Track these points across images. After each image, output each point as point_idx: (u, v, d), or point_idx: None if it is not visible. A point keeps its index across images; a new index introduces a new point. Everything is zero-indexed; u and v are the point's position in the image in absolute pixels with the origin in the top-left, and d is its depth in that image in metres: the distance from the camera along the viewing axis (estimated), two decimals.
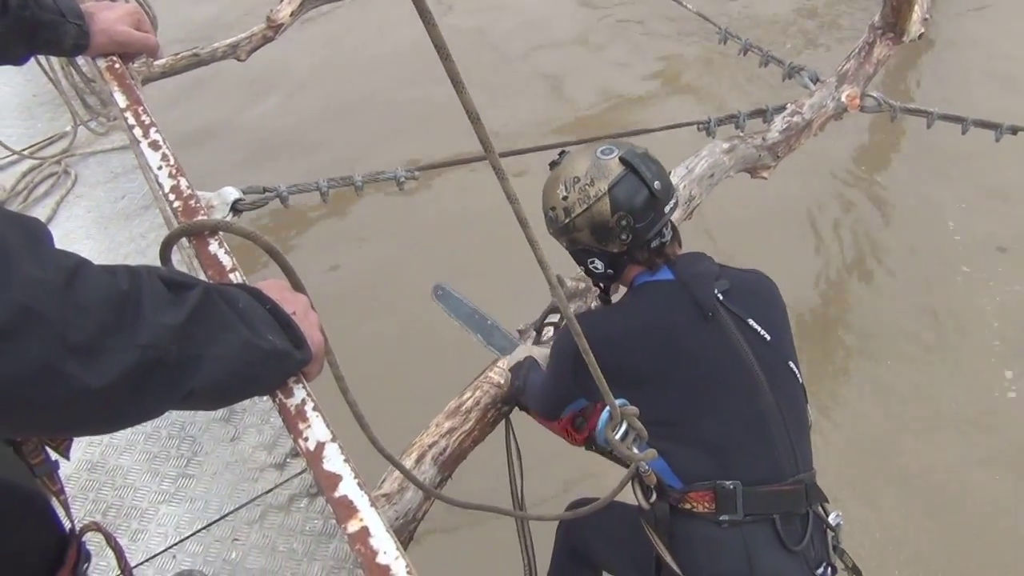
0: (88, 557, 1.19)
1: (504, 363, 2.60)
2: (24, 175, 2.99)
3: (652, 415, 1.86)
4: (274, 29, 3.95)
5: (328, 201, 3.57)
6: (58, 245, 0.89)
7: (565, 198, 1.95)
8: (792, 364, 1.97)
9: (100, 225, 2.86)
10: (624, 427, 1.61)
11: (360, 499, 0.94)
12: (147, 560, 2.01)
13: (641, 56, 5.97)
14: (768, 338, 1.93)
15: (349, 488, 0.96)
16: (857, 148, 5.08)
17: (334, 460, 0.98)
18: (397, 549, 0.89)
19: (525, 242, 1.12)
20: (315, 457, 0.99)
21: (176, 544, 2.03)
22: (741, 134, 3.67)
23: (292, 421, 1.03)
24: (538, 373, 2.35)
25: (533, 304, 2.65)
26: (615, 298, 2.18)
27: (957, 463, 3.49)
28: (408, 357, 4.02)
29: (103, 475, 2.20)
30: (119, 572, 1.34)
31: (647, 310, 1.97)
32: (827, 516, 1.93)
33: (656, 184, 1.90)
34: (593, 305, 2.90)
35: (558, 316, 2.58)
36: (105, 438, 2.28)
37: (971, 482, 3.42)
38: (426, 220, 4.79)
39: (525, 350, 2.52)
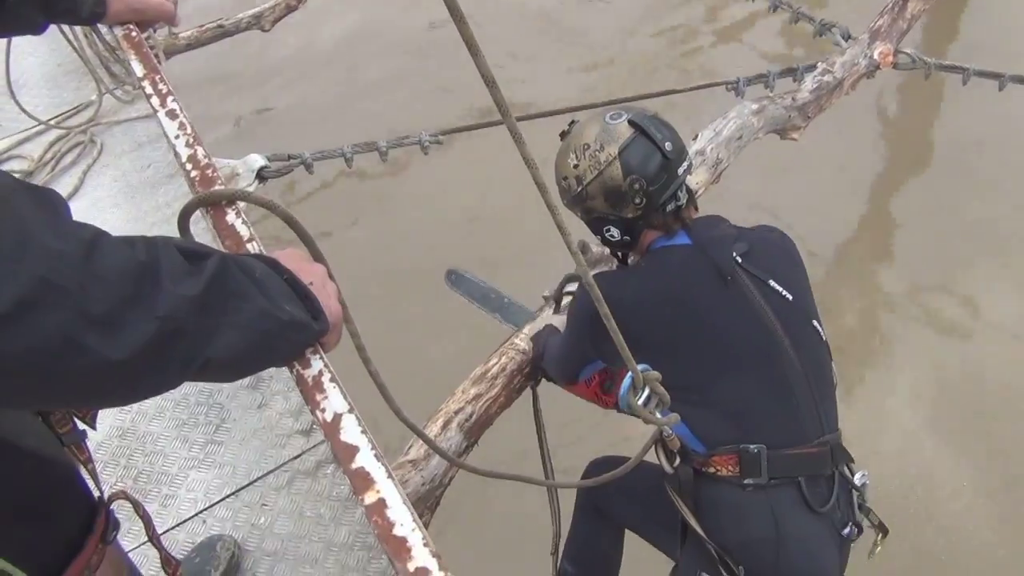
0: (117, 525, 1.21)
1: (526, 331, 2.60)
2: (51, 145, 3.01)
3: (672, 380, 1.84)
4: None
5: (352, 167, 3.57)
6: (85, 215, 0.90)
7: (576, 166, 1.93)
8: (816, 323, 1.95)
9: (127, 194, 2.88)
10: (646, 392, 1.60)
11: (377, 471, 0.94)
12: (177, 525, 2.04)
13: (666, 15, 5.86)
14: (790, 298, 1.90)
15: (366, 459, 0.96)
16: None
17: (351, 431, 0.98)
18: (414, 521, 0.89)
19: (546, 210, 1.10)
20: (332, 428, 0.99)
21: (206, 509, 2.06)
22: (771, 94, 3.59)
23: (309, 392, 1.03)
24: (556, 338, 2.36)
25: (557, 271, 2.64)
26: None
27: None
28: (433, 324, 4.03)
29: (133, 441, 2.24)
30: (148, 539, 1.36)
31: (663, 274, 1.94)
32: (852, 476, 1.92)
33: (667, 146, 1.87)
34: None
35: (576, 285, 2.57)
36: (135, 405, 2.32)
37: None
38: (446, 188, 4.78)
39: (544, 319, 2.52)
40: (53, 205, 0.85)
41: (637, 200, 1.89)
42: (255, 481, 2.12)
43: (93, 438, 2.24)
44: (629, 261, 2.17)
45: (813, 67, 3.74)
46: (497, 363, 2.59)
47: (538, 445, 2.63)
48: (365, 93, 5.51)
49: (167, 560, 1.39)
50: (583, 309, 1.99)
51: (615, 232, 1.99)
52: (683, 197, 1.96)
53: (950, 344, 3.84)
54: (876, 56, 3.75)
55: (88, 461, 1.24)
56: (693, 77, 4.70)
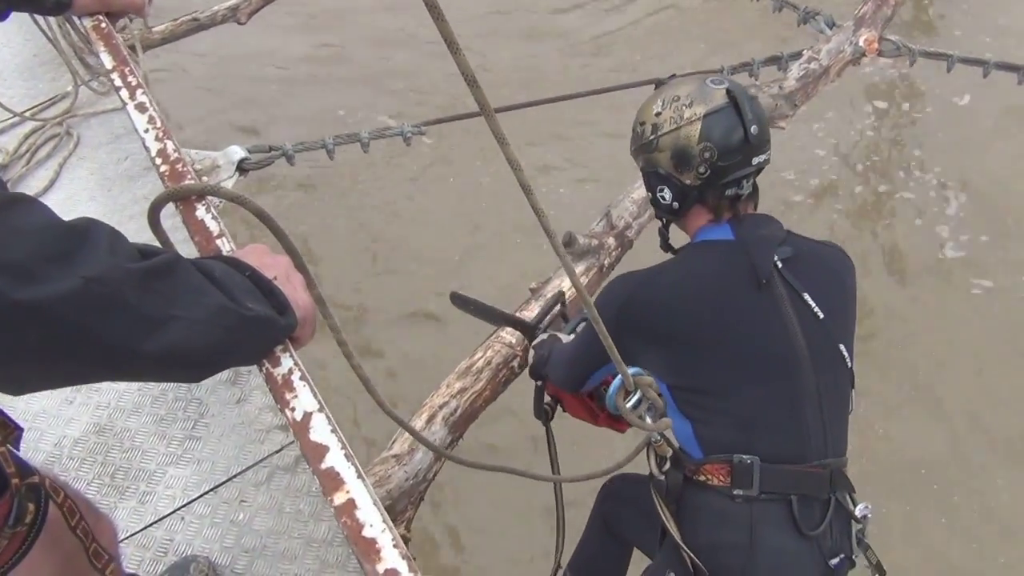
0: (22, 515, 1.17)
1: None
2: (26, 137, 2.97)
3: (688, 380, 1.82)
4: None
5: (334, 159, 3.54)
6: (61, 209, 0.90)
7: (658, 114, 1.87)
8: (843, 347, 1.87)
9: (103, 187, 2.84)
10: (637, 396, 1.58)
11: (347, 470, 0.92)
12: (156, 522, 2.02)
13: (650, 3, 5.84)
14: (821, 316, 1.83)
15: (336, 459, 0.94)
16: None
17: (321, 430, 0.96)
18: (384, 522, 0.87)
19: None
20: (302, 428, 0.97)
21: (184, 506, 2.04)
22: (756, 83, 3.57)
23: (279, 391, 1.01)
24: (565, 343, 2.27)
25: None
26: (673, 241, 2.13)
27: None
28: (420, 318, 4.01)
29: (111, 438, 2.21)
30: (70, 528, 1.27)
31: (700, 272, 1.88)
32: (854, 506, 1.85)
33: (753, 128, 1.81)
34: (606, 263, 2.86)
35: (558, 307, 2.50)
36: (113, 400, 2.29)
37: None
38: (435, 178, 4.75)
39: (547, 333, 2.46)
40: None
41: (702, 169, 1.83)
42: (234, 477, 2.09)
43: (69, 435, 2.24)
44: (669, 231, 2.12)
45: (798, 55, 3.72)
46: (482, 356, 2.57)
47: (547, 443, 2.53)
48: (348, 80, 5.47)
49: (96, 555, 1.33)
50: (608, 302, 1.92)
51: (667, 195, 1.93)
52: (746, 188, 1.90)
53: None
54: (861, 43, 3.73)
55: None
56: (676, 66, 4.66)
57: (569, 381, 2.18)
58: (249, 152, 3.20)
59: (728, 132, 1.80)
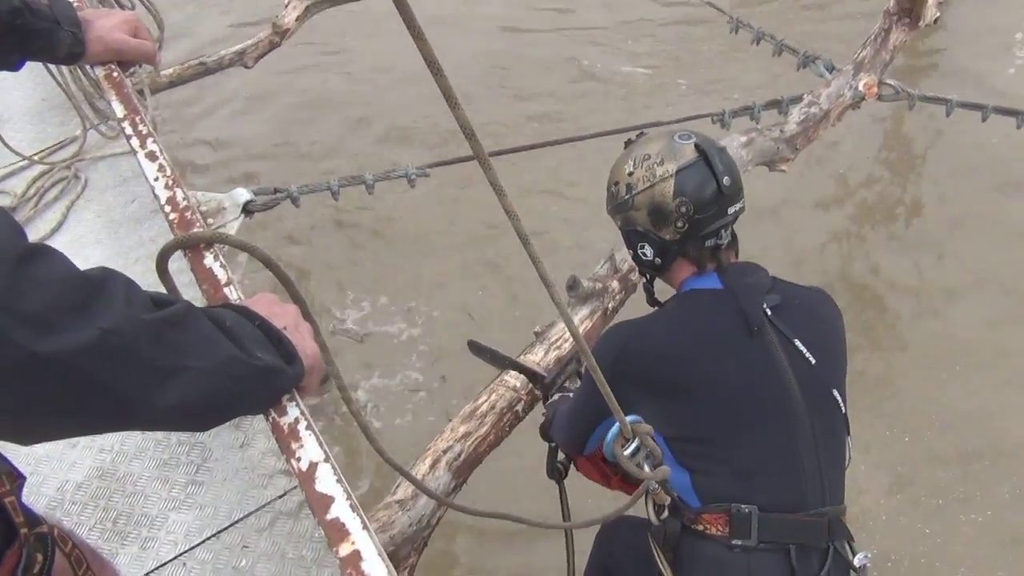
0: (31, 565, 1.17)
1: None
2: (34, 180, 2.99)
3: (684, 431, 1.82)
4: (280, 35, 3.95)
5: (339, 200, 3.57)
6: (67, 251, 0.91)
7: (631, 174, 1.91)
8: (836, 393, 1.89)
9: (110, 230, 2.85)
10: (635, 444, 1.57)
11: (352, 521, 0.92)
12: (158, 568, 2.00)
13: (650, 47, 5.91)
14: (813, 362, 1.85)
15: (341, 510, 0.93)
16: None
17: (326, 481, 0.96)
18: (389, 573, 0.86)
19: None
20: (307, 478, 0.97)
21: (186, 552, 2.02)
22: (757, 126, 3.61)
23: (285, 440, 1.01)
24: (566, 401, 2.27)
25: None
26: (659, 295, 2.13)
27: None
28: (425, 360, 4.01)
29: (113, 482, 2.19)
30: None
31: (692, 321, 1.90)
32: (853, 555, 1.84)
33: (725, 180, 1.85)
34: (610, 307, 2.86)
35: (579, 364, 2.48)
36: (116, 444, 2.28)
37: None
38: (438, 219, 4.78)
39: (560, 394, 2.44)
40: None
41: (680, 224, 1.86)
42: (236, 522, 2.07)
43: (71, 479, 2.22)
44: (655, 286, 2.14)
45: (799, 99, 3.77)
46: (487, 400, 2.57)
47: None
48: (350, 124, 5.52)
49: None
50: (603, 354, 1.91)
51: (648, 251, 1.96)
52: (726, 238, 1.93)
53: None
54: (861, 87, 3.78)
55: (7, 494, 1.20)
56: (679, 109, 4.72)
57: (571, 440, 2.17)
58: (255, 194, 3.24)
59: (702, 186, 1.85)
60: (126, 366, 0.86)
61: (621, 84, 5.66)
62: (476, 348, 2.62)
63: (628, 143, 2.02)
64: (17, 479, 1.16)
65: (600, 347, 1.97)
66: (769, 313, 1.86)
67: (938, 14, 4.11)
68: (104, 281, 0.88)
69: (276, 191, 3.37)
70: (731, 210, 1.89)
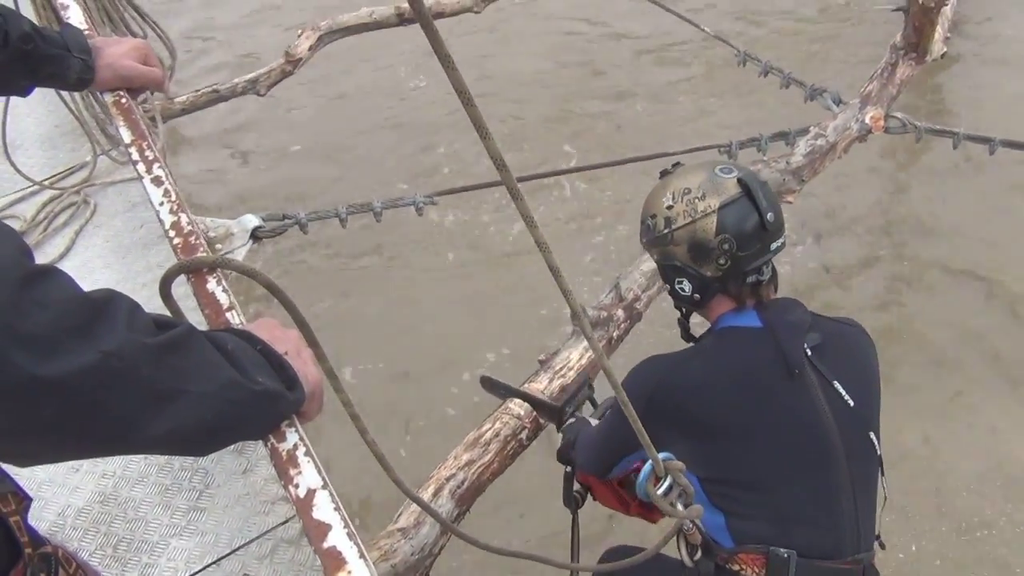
0: None
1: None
2: (44, 205, 3.01)
3: (720, 473, 1.80)
4: (293, 64, 4.01)
5: (347, 227, 3.59)
6: (75, 275, 0.91)
7: (670, 207, 1.85)
8: (873, 435, 1.85)
9: (118, 254, 2.86)
10: (668, 482, 1.56)
11: (349, 550, 0.92)
12: None
13: (658, 77, 5.95)
14: (852, 404, 1.81)
15: (338, 538, 0.93)
16: None
17: (324, 508, 0.96)
18: None
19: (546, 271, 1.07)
20: (304, 505, 0.96)
21: None
22: (764, 158, 3.62)
23: (283, 466, 1.01)
24: (592, 426, 2.22)
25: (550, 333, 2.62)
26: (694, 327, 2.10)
27: None
28: (428, 387, 4.01)
29: (115, 507, 2.18)
30: None
31: (731, 359, 1.86)
32: None
33: (769, 216, 1.80)
34: (615, 335, 2.86)
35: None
36: (118, 469, 2.27)
37: None
38: (441, 245, 4.80)
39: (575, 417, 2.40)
40: (6, 237, 0.87)
41: (722, 261, 1.81)
42: (237, 550, 2.06)
43: (73, 504, 2.21)
44: (690, 319, 2.09)
45: (805, 131, 3.78)
46: (491, 428, 2.57)
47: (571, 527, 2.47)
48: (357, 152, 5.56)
49: None
50: (639, 386, 1.87)
51: (687, 287, 1.90)
52: (767, 273, 1.89)
53: None
54: (867, 120, 3.80)
55: (13, 513, 1.20)
56: (686, 139, 4.74)
57: (596, 466, 2.12)
58: (263, 220, 3.26)
59: (745, 222, 1.79)
60: (126, 389, 0.86)
61: (625, 113, 5.69)
62: (489, 384, 2.61)
63: (664, 173, 1.97)
64: (23, 500, 1.16)
65: (633, 382, 1.92)
66: (809, 353, 1.82)
67: (944, 49, 4.14)
68: (107, 303, 0.88)
69: (285, 217, 3.40)
70: (773, 246, 1.84)
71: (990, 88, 5.48)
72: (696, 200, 1.81)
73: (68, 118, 3.21)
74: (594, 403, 2.46)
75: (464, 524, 2.47)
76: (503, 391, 2.61)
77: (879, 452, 1.87)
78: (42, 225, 2.96)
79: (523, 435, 2.58)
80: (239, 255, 3.12)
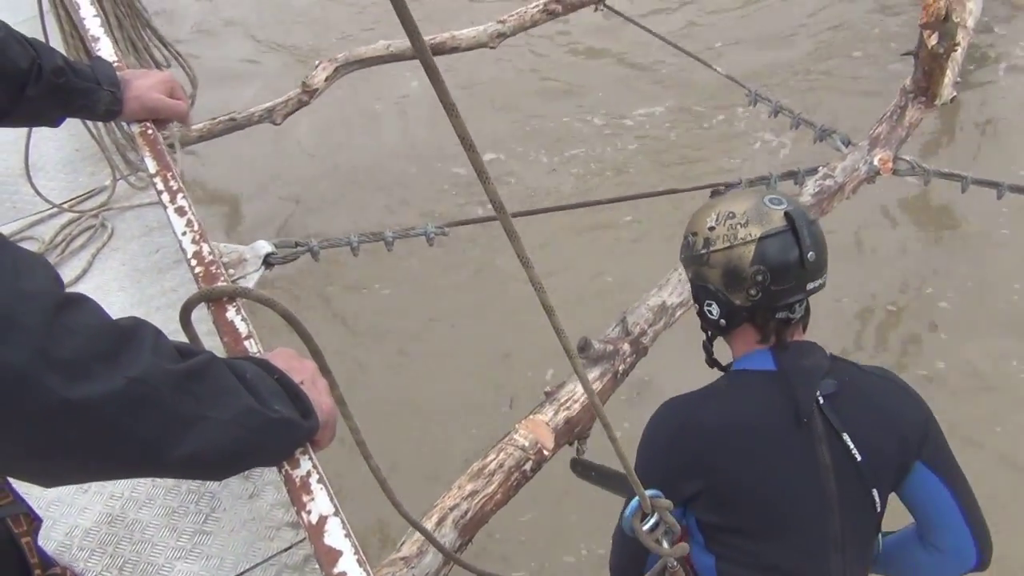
0: None
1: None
2: (62, 228, 3.07)
3: (717, 516, 1.81)
4: (309, 94, 4.07)
5: (358, 256, 3.63)
6: (92, 296, 0.95)
7: (712, 228, 1.83)
8: (876, 492, 1.81)
9: (133, 278, 2.91)
10: (655, 519, 1.58)
11: None
12: None
13: (670, 115, 6.00)
14: (859, 458, 1.77)
15: (348, 565, 0.96)
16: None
17: (335, 535, 0.99)
18: None
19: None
20: (316, 531, 0.99)
21: None
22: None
23: (296, 493, 1.04)
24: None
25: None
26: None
27: None
28: (430, 417, 4.02)
29: (121, 529, 2.21)
30: None
31: (743, 404, 1.84)
32: None
33: (810, 255, 1.76)
34: (621, 369, 2.87)
35: None
36: (126, 491, 2.30)
37: None
38: (451, 274, 4.83)
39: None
40: (41, 266, 0.92)
41: (753, 291, 1.79)
42: (242, 574, 2.08)
43: (81, 525, 2.24)
44: (713, 345, 2.07)
45: (814, 171, 3.82)
46: (495, 459, 2.58)
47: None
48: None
49: None
50: (660, 433, 1.86)
51: (715, 311, 1.88)
52: (799, 312, 1.86)
53: None
54: (876, 162, 3.83)
55: (24, 535, 1.23)
56: (696, 177, 4.79)
57: (626, 568, 2.01)
58: (276, 247, 3.30)
59: (783, 257, 1.76)
60: (149, 414, 0.90)
61: (634, 150, 5.74)
62: (581, 468, 2.38)
63: (714, 193, 1.96)
64: (34, 521, 1.19)
65: (657, 426, 1.93)
66: (822, 401, 1.79)
67: (955, 93, 4.18)
68: (134, 331, 0.92)
69: (297, 244, 3.44)
70: (810, 286, 1.81)
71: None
72: (738, 226, 1.78)
73: (89, 143, 3.27)
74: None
75: (466, 554, 2.48)
76: (596, 476, 2.29)
77: (879, 509, 1.83)
78: (60, 247, 3.02)
79: (527, 466, 2.59)
80: (251, 281, 3.16)
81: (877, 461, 1.80)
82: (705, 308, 1.92)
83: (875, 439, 1.80)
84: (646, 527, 1.57)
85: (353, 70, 4.39)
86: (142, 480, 2.32)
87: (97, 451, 0.91)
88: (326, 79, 4.20)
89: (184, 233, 1.41)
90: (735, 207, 1.82)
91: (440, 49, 4.37)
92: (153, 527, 2.21)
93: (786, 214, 1.77)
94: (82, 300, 0.92)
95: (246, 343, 1.23)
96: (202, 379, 0.96)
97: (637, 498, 1.52)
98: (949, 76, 4.08)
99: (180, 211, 1.45)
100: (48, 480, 0.96)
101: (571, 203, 3.85)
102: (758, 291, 1.78)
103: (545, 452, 2.60)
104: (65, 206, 3.16)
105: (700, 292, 1.92)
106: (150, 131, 1.67)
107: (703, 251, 1.85)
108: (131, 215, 3.20)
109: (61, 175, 3.43)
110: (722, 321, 1.89)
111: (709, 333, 2.03)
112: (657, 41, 4.99)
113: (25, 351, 0.82)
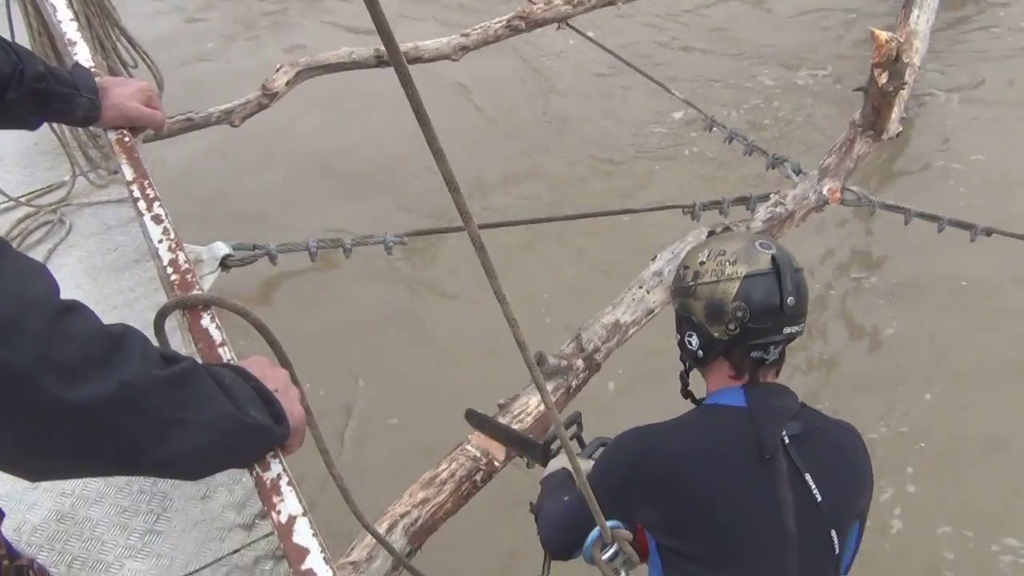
0: None
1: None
2: (19, 222, 3.05)
3: (679, 545, 1.85)
4: (269, 97, 4.07)
5: (316, 261, 3.65)
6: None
7: (702, 263, 1.92)
8: (835, 533, 1.86)
9: (90, 276, 2.90)
10: (613, 548, 1.63)
11: (325, 573, 0.99)
12: None
13: (627, 139, 6.08)
14: (819, 499, 1.83)
15: (315, 562, 1.00)
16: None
17: (303, 534, 1.04)
18: None
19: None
20: (286, 530, 1.04)
21: None
22: (725, 221, 3.77)
23: (267, 494, 1.08)
24: (564, 491, 2.12)
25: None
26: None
27: None
28: (388, 422, 4.04)
29: (72, 526, 2.21)
30: None
31: (709, 436, 1.90)
32: None
33: (790, 299, 1.84)
34: (574, 384, 2.94)
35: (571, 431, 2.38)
36: (77, 488, 2.30)
37: None
38: (414, 284, 4.85)
39: (560, 462, 2.31)
40: (41, 273, 0.97)
41: (731, 326, 1.86)
42: (191, 574, 2.10)
43: (30, 520, 2.24)
44: (690, 377, 2.14)
45: (766, 197, 3.93)
46: (447, 468, 2.62)
47: None
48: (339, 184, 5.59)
49: None
50: (621, 456, 1.92)
51: (694, 342, 1.96)
52: (772, 354, 1.92)
53: None
54: (825, 192, 3.95)
55: None
56: (650, 198, 4.87)
57: (559, 547, 2.07)
58: (233, 249, 3.32)
59: (764, 297, 1.84)
60: (137, 417, 0.95)
61: (591, 170, 5.82)
62: (476, 419, 2.61)
63: (711, 233, 2.03)
64: None
65: (619, 449, 1.98)
66: (787, 441, 1.85)
67: (900, 129, 4.35)
68: (124, 337, 0.97)
69: (255, 247, 3.45)
70: (787, 330, 1.88)
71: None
72: (727, 263, 1.87)
73: (47, 137, 3.25)
74: (582, 442, 2.39)
75: (414, 562, 2.52)
76: (488, 426, 2.62)
77: (838, 552, 1.88)
78: (15, 242, 2.98)
79: (477, 477, 2.63)
80: (207, 282, 3.17)
81: (837, 503, 1.87)
82: (686, 338, 2.00)
83: (836, 483, 1.87)
84: (605, 556, 1.62)
85: (315, 75, 4.38)
86: (93, 478, 2.32)
87: (87, 450, 0.95)
88: (287, 83, 4.19)
89: (160, 241, 1.44)
90: (727, 246, 1.92)
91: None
92: (103, 525, 2.21)
93: (773, 258, 1.87)
94: (79, 307, 0.96)
95: (220, 350, 1.27)
96: (185, 384, 1.01)
97: (598, 528, 1.57)
98: (896, 112, 4.25)
99: (157, 219, 1.49)
100: (36, 475, 1.01)
101: (529, 218, 3.91)
102: (736, 326, 1.86)
103: (496, 463, 2.65)
104: (22, 200, 3.14)
105: (683, 323, 2.00)
106: (127, 139, 1.69)
107: (691, 283, 1.94)
108: (90, 212, 3.19)
109: (18, 168, 3.40)
110: (700, 352, 1.97)
111: (687, 364, 2.12)
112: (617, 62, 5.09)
113: (27, 354, 0.86)
